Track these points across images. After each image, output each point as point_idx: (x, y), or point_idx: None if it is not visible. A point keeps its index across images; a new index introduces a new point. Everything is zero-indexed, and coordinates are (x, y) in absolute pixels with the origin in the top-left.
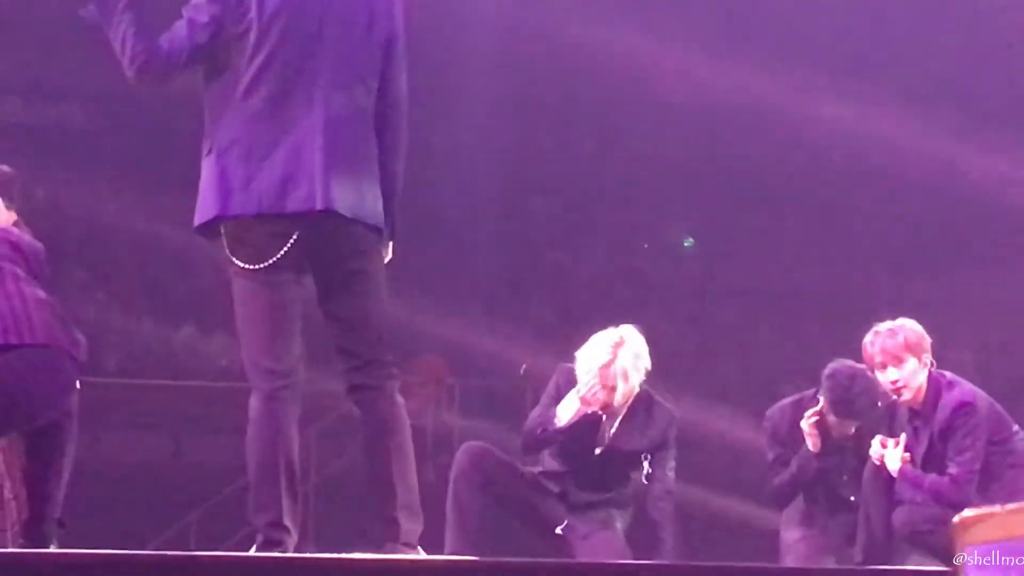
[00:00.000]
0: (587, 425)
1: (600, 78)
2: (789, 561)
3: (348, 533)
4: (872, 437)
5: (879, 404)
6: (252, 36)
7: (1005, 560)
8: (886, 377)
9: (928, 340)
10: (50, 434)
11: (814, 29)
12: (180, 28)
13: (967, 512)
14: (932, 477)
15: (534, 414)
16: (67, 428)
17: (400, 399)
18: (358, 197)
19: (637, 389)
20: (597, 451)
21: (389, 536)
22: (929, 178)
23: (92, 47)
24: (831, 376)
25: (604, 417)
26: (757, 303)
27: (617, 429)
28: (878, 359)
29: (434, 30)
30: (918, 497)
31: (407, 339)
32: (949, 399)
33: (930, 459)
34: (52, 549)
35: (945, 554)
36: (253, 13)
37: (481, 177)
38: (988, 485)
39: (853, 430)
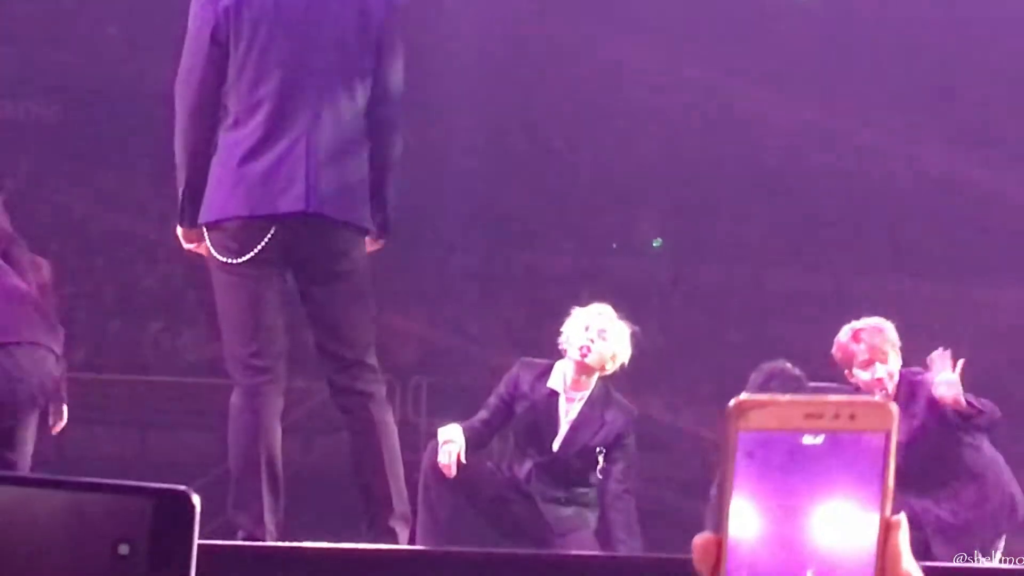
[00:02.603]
0: (543, 415)
1: (571, 79)
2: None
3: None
4: None
5: None
6: (243, 40)
7: (774, 449)
8: (872, 374)
9: None
10: (19, 427)
11: (785, 33)
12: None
13: (744, 396)
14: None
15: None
16: (32, 424)
17: (389, 405)
18: (347, 198)
19: (609, 368)
20: (555, 447)
21: None
22: (898, 180)
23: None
24: (749, 385)
25: (561, 403)
26: (725, 303)
27: (576, 419)
28: (864, 356)
29: (410, 29)
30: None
31: (376, 336)
32: (926, 389)
33: (915, 449)
34: None
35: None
36: (244, 19)
37: (452, 176)
38: (957, 475)
39: None
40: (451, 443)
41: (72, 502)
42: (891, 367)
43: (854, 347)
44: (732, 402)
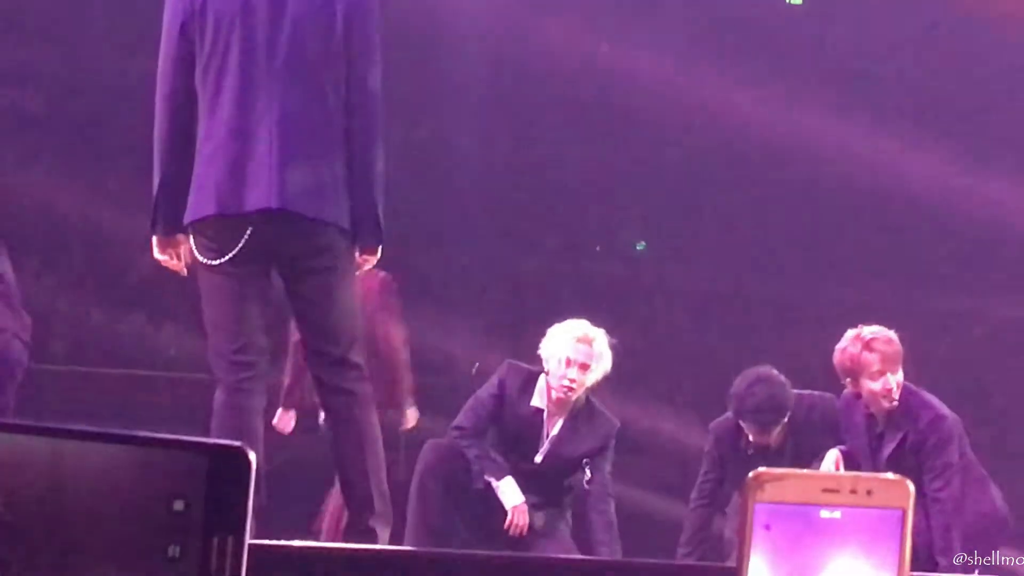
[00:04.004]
0: (527, 429)
1: (557, 80)
2: (732, 562)
3: (295, 528)
4: (809, 446)
5: (786, 408)
6: (208, 35)
7: (791, 522)
8: (883, 384)
9: None
10: None
11: (773, 37)
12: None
13: (762, 469)
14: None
15: (470, 407)
16: (7, 414)
17: (373, 404)
18: (318, 195)
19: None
20: (538, 459)
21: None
22: (884, 188)
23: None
24: (733, 391)
25: (545, 418)
26: (708, 307)
27: (559, 433)
28: (877, 367)
29: (396, 30)
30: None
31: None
32: (925, 411)
33: (898, 463)
34: None
35: None
36: (209, 14)
37: (434, 177)
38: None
39: (774, 439)
40: (523, 513)
41: (128, 456)
42: (899, 377)
43: (868, 357)
44: (751, 474)
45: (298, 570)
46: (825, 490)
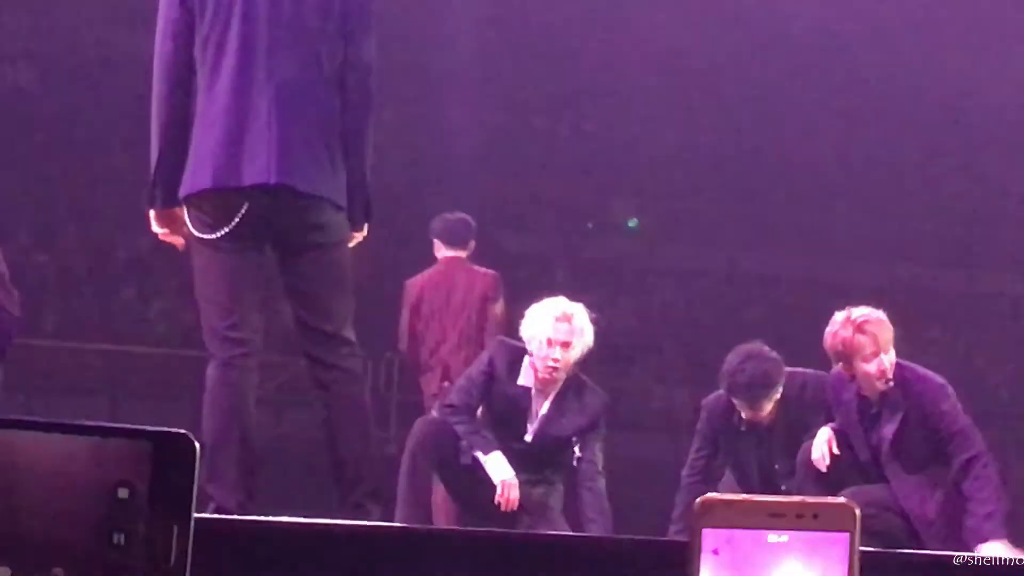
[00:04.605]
0: (516, 407)
1: (552, 57)
2: None
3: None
4: (800, 423)
5: (777, 384)
6: (209, 6)
7: (739, 546)
8: (877, 366)
9: None
10: None
11: (767, 20)
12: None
13: (710, 495)
14: (970, 485)
15: (461, 386)
16: None
17: (364, 381)
18: (316, 170)
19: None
20: (528, 438)
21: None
22: (877, 168)
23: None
24: (725, 367)
25: (534, 396)
26: (699, 285)
27: (548, 411)
28: (870, 348)
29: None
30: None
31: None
32: (922, 385)
33: (902, 441)
34: None
35: (888, 538)
36: None
37: (426, 153)
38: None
39: (766, 416)
40: (512, 487)
41: (72, 445)
42: (892, 357)
43: (861, 339)
44: (698, 500)
45: (291, 546)
46: (772, 515)
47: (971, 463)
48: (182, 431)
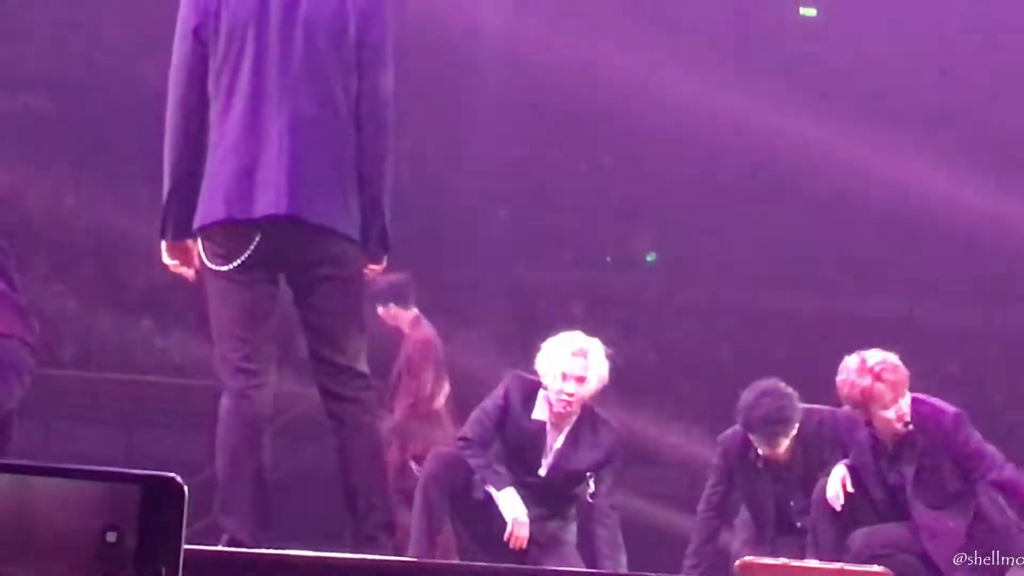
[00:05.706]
0: (531, 441)
1: (569, 90)
2: None
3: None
4: (817, 460)
5: (793, 420)
6: (222, 39)
7: None
8: (896, 412)
9: None
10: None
11: (786, 50)
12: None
13: (748, 558)
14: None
15: (475, 418)
16: (14, 417)
17: (377, 413)
18: (328, 202)
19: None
20: (542, 472)
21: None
22: (895, 204)
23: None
24: (742, 403)
25: (548, 430)
26: (718, 321)
27: (562, 446)
28: (889, 396)
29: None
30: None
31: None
32: (935, 418)
33: (924, 477)
34: None
35: None
36: (223, 18)
37: (445, 186)
38: (957, 500)
39: (782, 452)
40: (523, 526)
41: (61, 489)
42: (907, 399)
43: (880, 388)
44: (737, 564)
45: None
46: None
47: (1002, 478)
48: (170, 475)
